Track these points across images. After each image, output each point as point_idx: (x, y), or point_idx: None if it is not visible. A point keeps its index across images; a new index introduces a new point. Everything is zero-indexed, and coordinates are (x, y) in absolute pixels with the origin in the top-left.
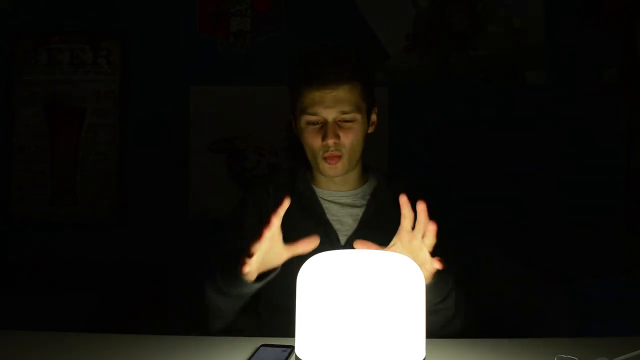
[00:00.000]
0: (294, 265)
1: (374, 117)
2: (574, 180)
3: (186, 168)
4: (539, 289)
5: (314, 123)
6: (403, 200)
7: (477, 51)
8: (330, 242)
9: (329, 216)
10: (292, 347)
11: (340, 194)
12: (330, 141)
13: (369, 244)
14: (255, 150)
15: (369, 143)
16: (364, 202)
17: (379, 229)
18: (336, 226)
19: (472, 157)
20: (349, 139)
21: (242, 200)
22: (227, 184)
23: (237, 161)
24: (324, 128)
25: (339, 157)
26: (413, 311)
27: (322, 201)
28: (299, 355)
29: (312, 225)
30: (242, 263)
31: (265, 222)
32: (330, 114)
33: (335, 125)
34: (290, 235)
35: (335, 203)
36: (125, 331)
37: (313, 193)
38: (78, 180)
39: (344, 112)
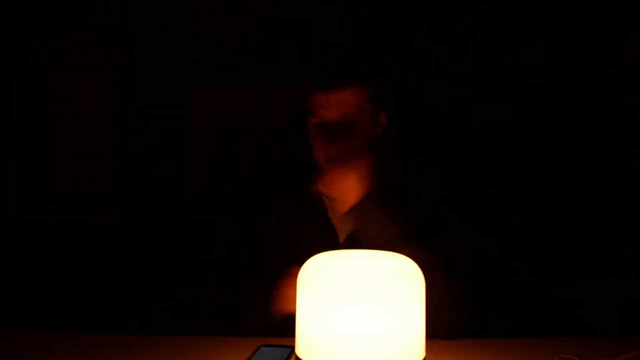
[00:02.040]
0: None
1: (382, 119)
2: (574, 180)
3: (186, 168)
4: (538, 289)
5: (319, 125)
6: None
7: (476, 51)
8: (330, 240)
9: (330, 214)
10: (292, 347)
11: (334, 191)
12: (333, 149)
13: None
14: (257, 150)
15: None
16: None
17: (375, 229)
18: (337, 225)
19: (471, 157)
20: (351, 140)
21: (254, 208)
22: (228, 183)
23: (238, 161)
24: (327, 130)
25: (340, 159)
26: (413, 311)
27: (326, 199)
28: (299, 355)
29: (313, 223)
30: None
31: None
32: (333, 115)
33: (338, 127)
34: (292, 232)
35: (340, 202)
36: (125, 331)
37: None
38: (78, 180)
39: (347, 114)
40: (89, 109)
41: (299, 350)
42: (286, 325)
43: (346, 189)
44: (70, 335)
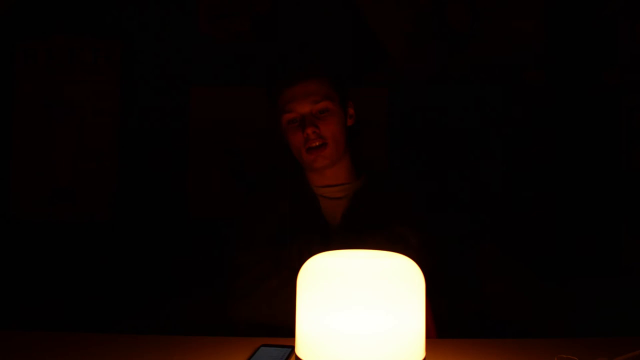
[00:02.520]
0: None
1: (351, 111)
2: (574, 180)
3: (186, 168)
4: (538, 288)
5: (293, 121)
6: None
7: (476, 51)
8: (322, 235)
9: (323, 210)
10: (292, 347)
11: (332, 188)
12: (310, 130)
13: None
14: (256, 150)
15: (369, 142)
16: (349, 195)
17: (360, 224)
18: (330, 221)
19: (471, 156)
20: (329, 128)
21: (250, 210)
22: (227, 183)
23: (238, 161)
24: (302, 122)
25: (323, 145)
26: (413, 311)
27: (317, 197)
28: (299, 355)
29: (307, 219)
30: None
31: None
32: (304, 107)
33: (312, 117)
34: (286, 229)
35: (328, 198)
36: (126, 331)
37: (310, 189)
38: (78, 181)
39: (315, 101)
40: (89, 109)
41: (299, 350)
42: (286, 325)
43: (334, 177)
44: (70, 335)
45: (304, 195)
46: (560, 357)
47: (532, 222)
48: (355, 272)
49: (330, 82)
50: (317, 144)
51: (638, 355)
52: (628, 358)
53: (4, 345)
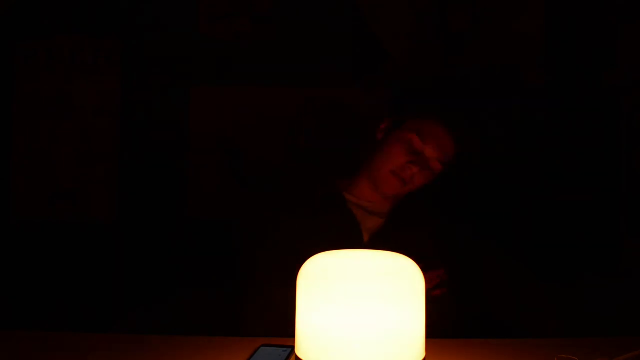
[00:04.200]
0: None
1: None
2: (574, 180)
3: (186, 168)
4: (538, 288)
5: (410, 147)
6: None
7: (476, 51)
8: (354, 238)
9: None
10: (292, 347)
11: (370, 203)
12: (416, 170)
13: None
14: (256, 150)
15: None
16: (385, 214)
17: (396, 238)
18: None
19: (470, 156)
20: (421, 181)
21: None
22: (228, 184)
23: (238, 161)
24: (415, 156)
25: (405, 184)
26: (413, 311)
27: (351, 205)
28: (299, 355)
29: (338, 221)
30: None
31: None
32: (430, 152)
33: (423, 162)
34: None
35: (363, 209)
36: (126, 331)
37: (343, 199)
38: (78, 180)
39: (439, 159)
40: (89, 109)
41: (299, 350)
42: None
43: (382, 206)
44: (70, 335)
45: (337, 206)
46: (560, 357)
47: (532, 221)
48: (355, 272)
49: (457, 147)
50: (407, 180)
51: (638, 355)
52: (628, 358)
53: (4, 345)
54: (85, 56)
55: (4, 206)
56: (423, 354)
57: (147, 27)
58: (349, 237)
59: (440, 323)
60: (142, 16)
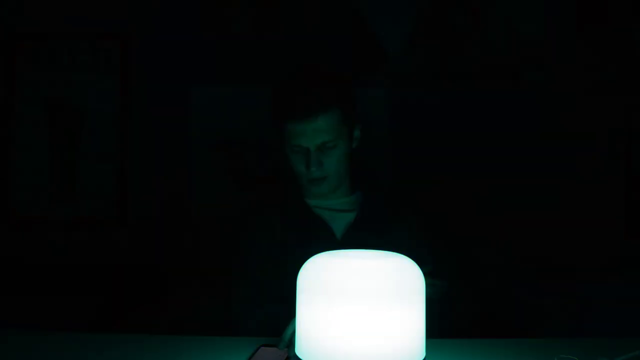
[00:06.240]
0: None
1: (357, 134)
2: (574, 180)
3: (186, 168)
4: (538, 289)
5: (298, 150)
6: None
7: (476, 51)
8: (327, 237)
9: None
10: (292, 348)
11: (331, 202)
12: (313, 169)
13: None
14: (256, 150)
15: (368, 144)
16: (354, 207)
17: (370, 230)
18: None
19: (470, 156)
20: (332, 163)
21: (245, 233)
22: (228, 184)
23: (238, 161)
24: (307, 155)
25: (324, 178)
26: (413, 311)
27: (314, 209)
28: (299, 355)
29: (307, 226)
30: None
31: None
32: (311, 144)
33: (318, 152)
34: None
35: (327, 209)
36: (125, 331)
37: (304, 204)
38: (78, 180)
39: (323, 140)
40: (90, 109)
41: (299, 350)
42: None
43: (343, 202)
44: (70, 335)
45: (306, 209)
46: (560, 357)
47: (532, 221)
48: (355, 272)
49: (342, 113)
50: (320, 177)
51: (638, 355)
52: (628, 358)
53: (4, 346)
54: (85, 56)
55: (4, 206)
56: (423, 354)
57: (147, 27)
58: (318, 238)
59: (440, 323)
60: (142, 16)
